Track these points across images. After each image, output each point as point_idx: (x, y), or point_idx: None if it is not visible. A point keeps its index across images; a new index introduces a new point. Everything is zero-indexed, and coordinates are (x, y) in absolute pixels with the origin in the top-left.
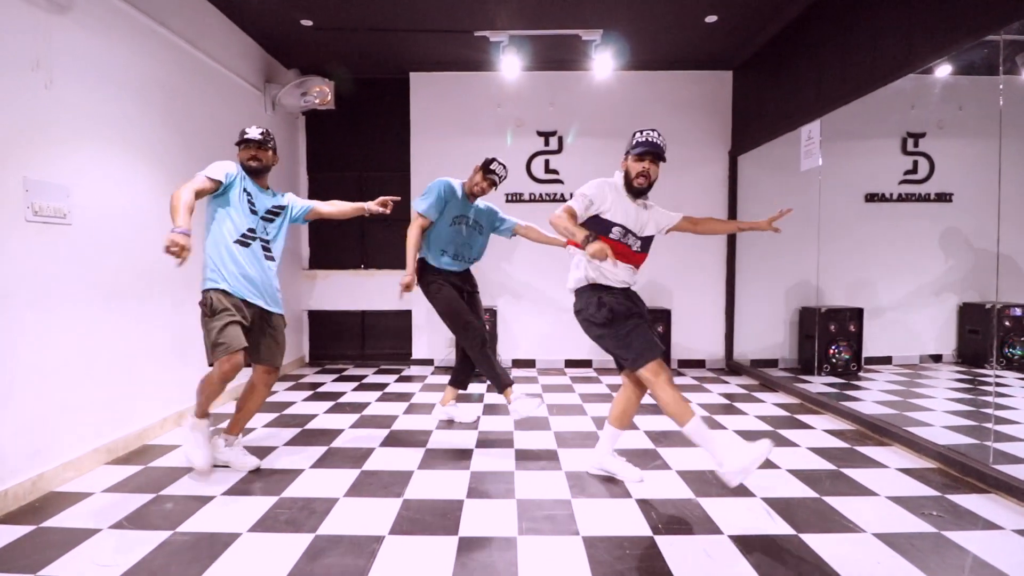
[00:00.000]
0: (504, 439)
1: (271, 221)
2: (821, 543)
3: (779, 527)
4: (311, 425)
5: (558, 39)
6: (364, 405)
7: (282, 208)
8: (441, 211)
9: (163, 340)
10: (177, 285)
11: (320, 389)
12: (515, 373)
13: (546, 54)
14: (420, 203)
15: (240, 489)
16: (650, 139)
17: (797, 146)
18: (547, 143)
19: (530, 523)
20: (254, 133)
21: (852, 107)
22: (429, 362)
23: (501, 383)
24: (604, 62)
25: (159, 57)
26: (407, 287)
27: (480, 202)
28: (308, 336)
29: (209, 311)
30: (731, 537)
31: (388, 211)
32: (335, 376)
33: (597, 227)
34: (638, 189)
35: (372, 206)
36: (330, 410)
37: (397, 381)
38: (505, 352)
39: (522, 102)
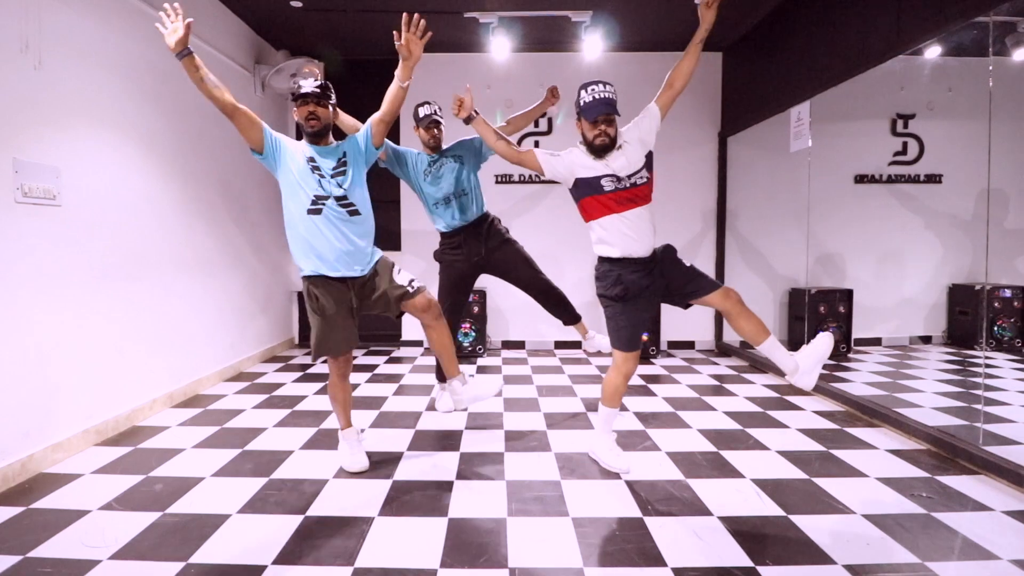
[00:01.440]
0: (494, 421)
1: (343, 174)
2: (810, 524)
3: (769, 508)
4: (300, 406)
5: (548, 20)
6: (354, 386)
7: (346, 154)
8: (400, 164)
9: (153, 321)
10: (167, 267)
11: (310, 370)
12: (505, 354)
13: (535, 35)
14: None
15: (230, 470)
16: (597, 97)
17: (787, 127)
18: (536, 125)
19: (520, 504)
20: (310, 86)
21: (842, 88)
22: (419, 343)
23: (437, 374)
24: (594, 43)
25: (149, 38)
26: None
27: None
28: (297, 318)
29: (315, 306)
30: (721, 518)
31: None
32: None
33: (588, 189)
34: (602, 147)
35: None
36: (320, 391)
37: (387, 362)
38: (495, 334)
39: (511, 83)
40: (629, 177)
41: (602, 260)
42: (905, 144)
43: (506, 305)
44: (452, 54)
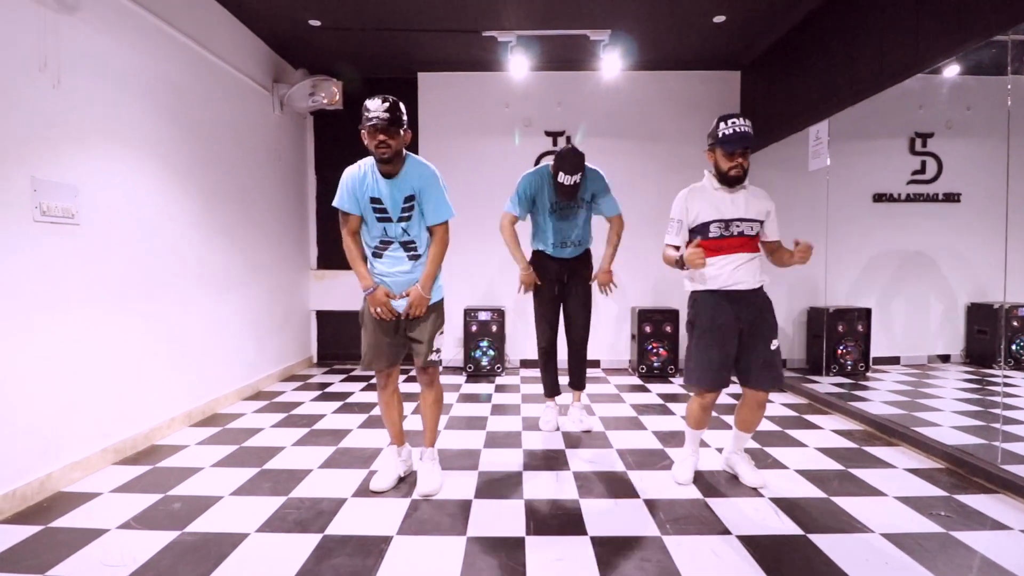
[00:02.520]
0: (512, 440)
1: (408, 219)
2: (829, 543)
3: (787, 527)
4: (319, 425)
5: (566, 39)
6: (372, 405)
7: (412, 199)
8: (531, 207)
9: (171, 340)
10: (185, 285)
11: (328, 389)
12: (523, 373)
13: (554, 54)
14: (507, 202)
15: (248, 489)
16: (738, 131)
17: (805, 146)
18: (555, 143)
19: (538, 523)
20: (378, 109)
21: (860, 107)
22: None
23: (545, 391)
24: (612, 62)
25: (167, 57)
26: (526, 286)
27: (591, 177)
28: (316, 336)
29: (360, 319)
30: (739, 537)
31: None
32: (343, 376)
33: (695, 233)
34: (734, 179)
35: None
36: (338, 410)
37: (405, 381)
38: (513, 352)
39: (530, 102)
40: (740, 222)
41: (691, 294)
42: (923, 163)
43: (524, 324)
44: (470, 72)
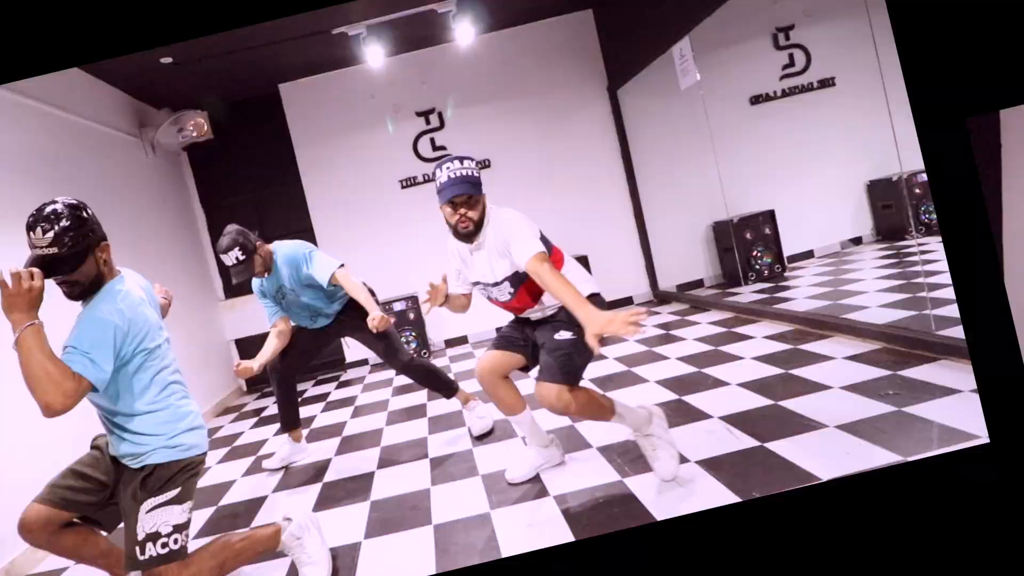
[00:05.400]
0: (455, 420)
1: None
2: (788, 448)
3: (743, 442)
4: (264, 450)
5: (414, 18)
6: (311, 419)
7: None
8: (272, 303)
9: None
10: None
11: (264, 414)
12: (450, 352)
13: (407, 35)
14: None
15: (208, 531)
16: (452, 176)
17: (673, 67)
18: (428, 122)
19: (499, 495)
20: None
21: (717, 16)
22: (364, 362)
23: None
24: (465, 30)
25: (30, 127)
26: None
27: (280, 264)
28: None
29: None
30: (699, 463)
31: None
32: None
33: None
34: (464, 234)
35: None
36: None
37: (337, 388)
38: (435, 333)
39: (395, 88)
40: (488, 287)
41: None
42: (791, 56)
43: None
44: (330, 72)
